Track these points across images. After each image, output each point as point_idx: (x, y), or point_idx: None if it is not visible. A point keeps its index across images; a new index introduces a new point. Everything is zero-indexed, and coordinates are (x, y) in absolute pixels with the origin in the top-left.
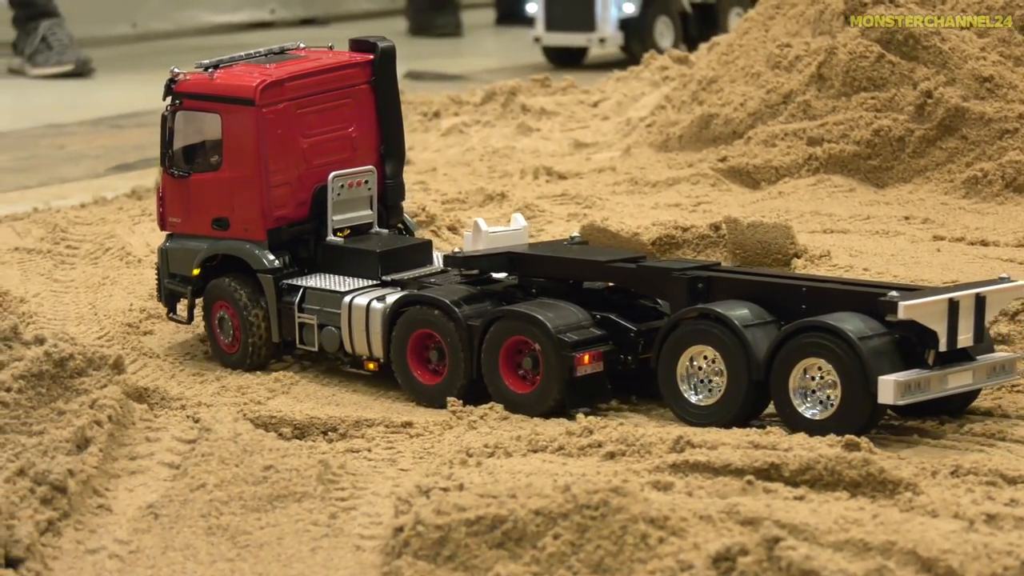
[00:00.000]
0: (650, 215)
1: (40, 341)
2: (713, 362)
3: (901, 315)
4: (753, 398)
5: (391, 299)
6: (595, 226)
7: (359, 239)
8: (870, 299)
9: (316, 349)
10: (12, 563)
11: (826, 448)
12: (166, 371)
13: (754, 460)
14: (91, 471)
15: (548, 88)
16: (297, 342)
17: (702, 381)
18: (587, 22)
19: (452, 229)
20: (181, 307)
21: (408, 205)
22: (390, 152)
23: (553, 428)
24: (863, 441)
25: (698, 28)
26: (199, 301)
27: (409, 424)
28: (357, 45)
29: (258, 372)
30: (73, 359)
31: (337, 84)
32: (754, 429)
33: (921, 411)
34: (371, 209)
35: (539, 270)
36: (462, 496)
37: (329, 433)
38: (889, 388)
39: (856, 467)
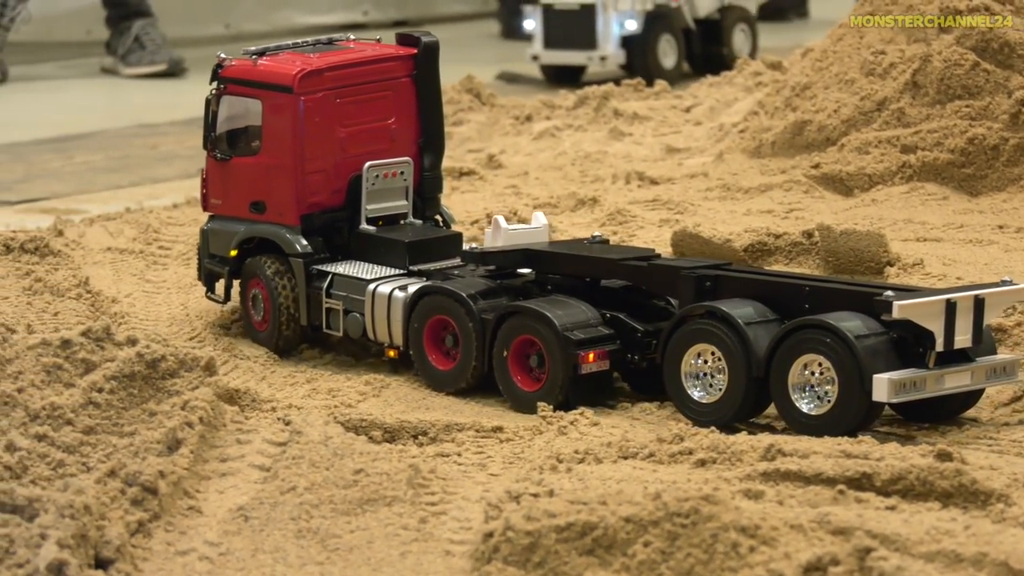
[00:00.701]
0: (742, 221)
1: (132, 342)
2: (716, 360)
3: (895, 314)
4: (754, 395)
5: (412, 289)
6: (687, 232)
7: (391, 228)
8: (871, 299)
9: (341, 334)
10: (102, 564)
11: (918, 458)
12: (257, 373)
13: (846, 469)
14: (182, 472)
15: (641, 92)
16: (324, 326)
17: (705, 378)
18: (588, 40)
19: None
20: (221, 287)
21: (500, 209)
22: (428, 145)
23: (644, 435)
24: (955, 451)
25: (701, 45)
26: (237, 281)
27: (499, 429)
28: (402, 39)
29: (350, 378)
30: (165, 360)
31: (378, 76)
32: (845, 438)
33: (923, 415)
34: (406, 199)
35: (554, 267)
36: (552, 502)
37: (419, 437)
38: (883, 386)
39: (948, 477)
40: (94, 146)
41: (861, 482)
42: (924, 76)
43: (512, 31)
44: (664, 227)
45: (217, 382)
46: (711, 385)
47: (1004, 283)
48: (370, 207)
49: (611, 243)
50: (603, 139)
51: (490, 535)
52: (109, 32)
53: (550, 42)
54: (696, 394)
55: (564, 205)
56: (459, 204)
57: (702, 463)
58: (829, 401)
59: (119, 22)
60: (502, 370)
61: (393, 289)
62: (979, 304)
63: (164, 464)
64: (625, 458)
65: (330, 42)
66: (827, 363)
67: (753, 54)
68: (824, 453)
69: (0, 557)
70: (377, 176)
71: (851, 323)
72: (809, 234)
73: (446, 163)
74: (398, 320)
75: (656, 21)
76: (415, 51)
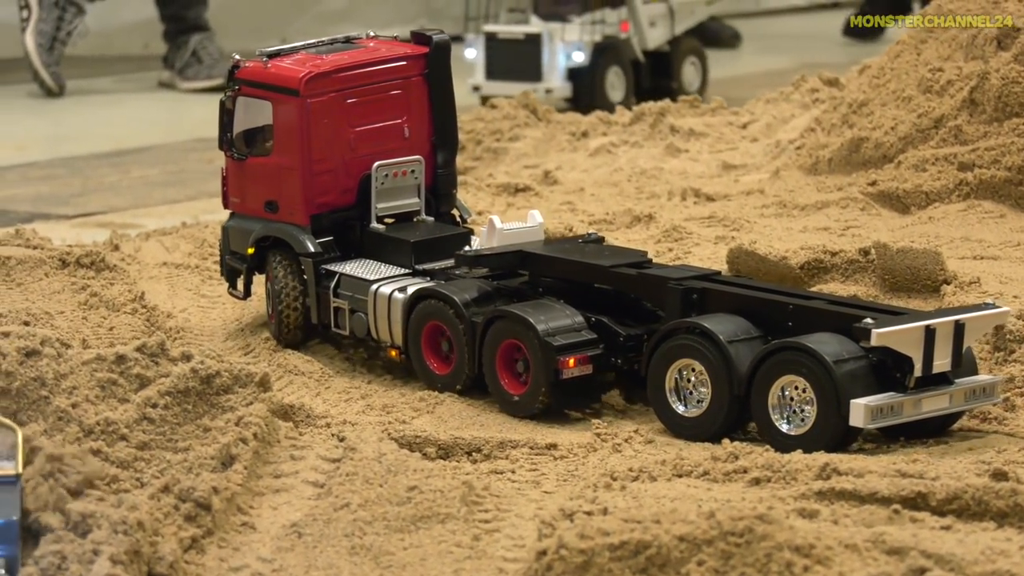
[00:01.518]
0: (798, 239)
1: (187, 357)
2: (699, 375)
3: (874, 342)
4: (736, 412)
5: (411, 290)
6: (743, 249)
7: (400, 227)
8: (854, 321)
9: (348, 333)
10: None
11: (973, 478)
12: (312, 389)
13: (901, 489)
14: (236, 488)
15: (697, 109)
16: (332, 325)
17: (689, 393)
18: (533, 72)
19: None
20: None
21: (555, 225)
22: (442, 142)
23: (698, 453)
24: (1011, 471)
25: (651, 78)
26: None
27: (553, 446)
28: (416, 37)
29: (404, 394)
30: (219, 376)
31: (389, 76)
32: (901, 457)
33: (902, 432)
34: (418, 197)
35: (547, 270)
36: (606, 520)
37: (473, 454)
38: (860, 412)
39: (1004, 497)
40: (151, 160)
41: (916, 502)
42: (982, 94)
43: None
44: (720, 244)
45: (271, 398)
46: (694, 400)
47: (985, 306)
48: (380, 206)
49: (607, 243)
50: (659, 155)
51: (543, 553)
52: (167, 46)
53: (493, 72)
54: (679, 408)
55: (620, 221)
56: (515, 220)
57: (756, 482)
58: (807, 422)
59: (177, 36)
60: (491, 373)
61: (393, 290)
62: (959, 329)
63: (218, 480)
64: (679, 476)
65: (348, 40)
66: (806, 384)
67: (703, 89)
68: (879, 472)
69: (53, 573)
70: (387, 175)
71: (830, 347)
72: (865, 252)
73: (502, 179)
74: (397, 321)
75: (604, 53)
76: (427, 50)
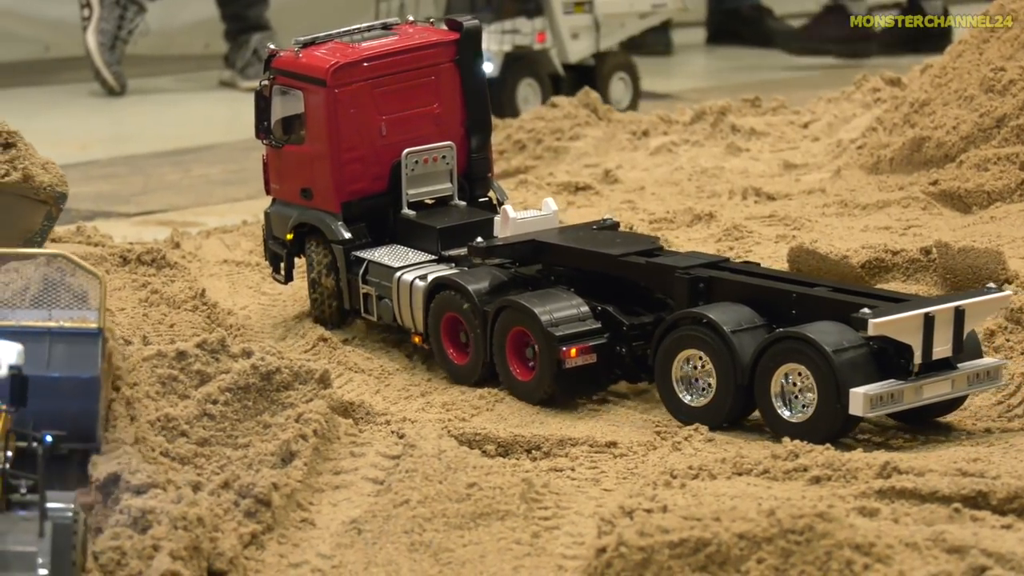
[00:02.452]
0: (860, 238)
1: (247, 354)
2: (705, 365)
3: (871, 332)
4: (742, 401)
5: (430, 279)
6: (803, 248)
7: (430, 213)
8: (855, 310)
9: (376, 319)
10: None
11: None
12: (371, 386)
13: (961, 488)
14: (295, 485)
15: (758, 108)
16: (362, 311)
17: (695, 382)
18: None
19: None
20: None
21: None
22: (474, 127)
23: (758, 451)
24: None
25: (573, 92)
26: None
27: (613, 444)
28: (448, 23)
29: (464, 392)
30: (280, 372)
31: (419, 63)
32: (961, 455)
33: (906, 417)
34: (450, 183)
35: (559, 259)
36: (666, 518)
37: (533, 451)
38: (859, 401)
39: None
40: (211, 159)
41: (977, 500)
42: None
43: (720, 35)
44: (780, 243)
45: (331, 395)
46: (700, 389)
47: (987, 290)
48: (411, 192)
49: (622, 229)
50: (720, 154)
51: (603, 550)
52: (228, 45)
53: None
54: (686, 398)
55: (680, 220)
56: (575, 219)
57: (817, 480)
58: (808, 410)
59: (238, 35)
60: (501, 360)
61: (415, 278)
62: (959, 315)
63: (278, 476)
64: (739, 474)
65: (385, 27)
66: (807, 373)
67: (635, 104)
68: (940, 471)
69: (112, 569)
70: (416, 162)
71: (830, 336)
72: (927, 251)
73: (562, 178)
74: (419, 308)
75: (516, 65)
76: (457, 36)
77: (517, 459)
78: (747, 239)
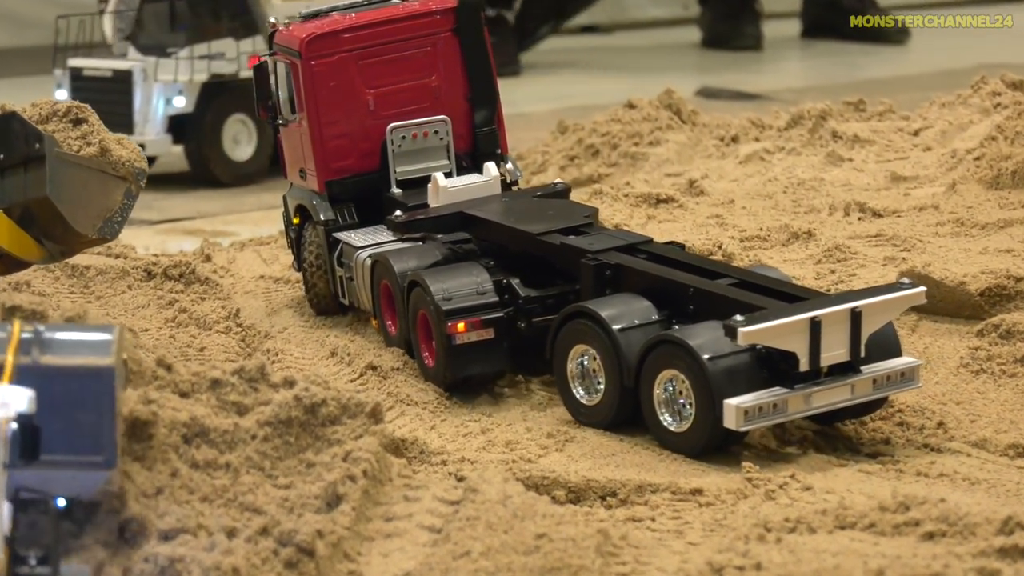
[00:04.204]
0: (978, 261)
1: (290, 384)
2: (596, 362)
3: (741, 342)
4: (630, 402)
5: (367, 254)
6: (915, 273)
7: (417, 191)
8: (752, 310)
9: (348, 303)
10: None
11: None
12: (426, 421)
13: None
14: (342, 532)
15: (863, 112)
16: (340, 296)
17: (588, 379)
18: (124, 119)
19: None
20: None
21: (702, 242)
22: (479, 100)
23: (863, 502)
24: None
25: None
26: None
27: (699, 491)
28: None
29: (530, 429)
30: (326, 405)
31: (412, 33)
32: None
33: (821, 419)
34: (447, 159)
35: (483, 233)
36: None
37: (608, 498)
38: (732, 413)
39: None
40: None
41: None
42: None
43: (716, 39)
44: (889, 266)
45: (383, 431)
46: (593, 386)
47: (898, 287)
48: (401, 169)
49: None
50: (819, 164)
51: None
52: None
53: None
54: (580, 393)
55: (775, 239)
56: (656, 236)
57: (930, 536)
58: (688, 419)
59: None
60: (415, 342)
61: (367, 256)
62: (856, 317)
63: (323, 522)
64: (842, 528)
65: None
66: (685, 380)
67: None
68: None
69: None
70: (404, 137)
71: (708, 341)
72: None
73: (641, 188)
74: (367, 287)
75: (218, 97)
76: (455, 4)
77: (591, 507)
78: (850, 261)
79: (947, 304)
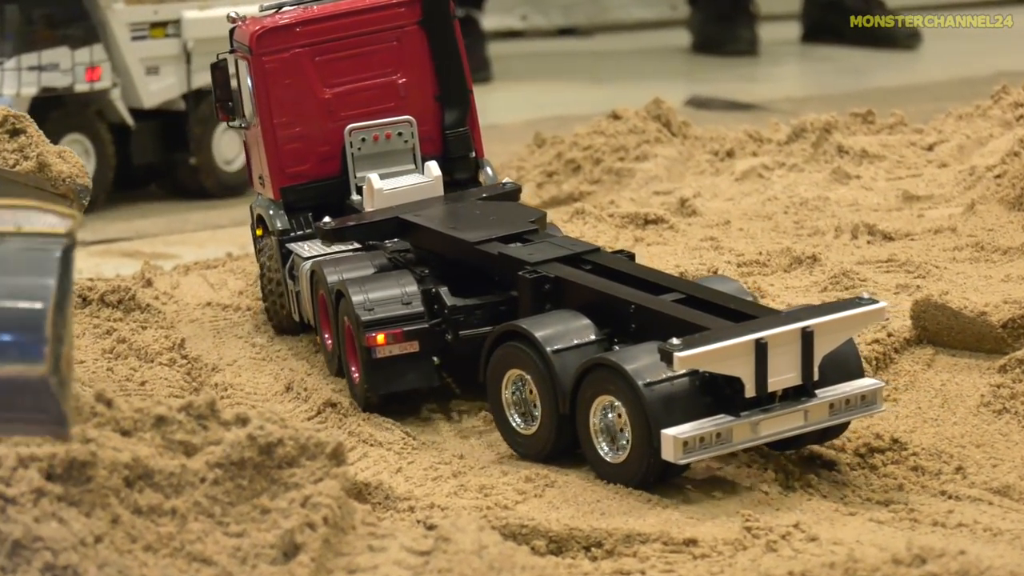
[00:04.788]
0: (1000, 290)
1: (242, 421)
2: (531, 387)
3: (677, 368)
4: (567, 433)
5: (308, 265)
6: (931, 302)
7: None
8: (697, 330)
9: (299, 320)
10: None
11: None
12: (392, 463)
13: None
14: None
15: (871, 125)
16: (292, 312)
17: (524, 405)
18: None
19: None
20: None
21: (695, 267)
22: (449, 99)
23: (875, 554)
24: None
25: (151, 150)
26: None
27: (693, 541)
28: None
29: (506, 472)
30: (283, 445)
31: (374, 26)
32: None
33: (777, 445)
34: (413, 164)
35: (420, 241)
36: None
37: (593, 549)
38: (669, 445)
39: None
40: None
41: None
42: None
43: (707, 44)
44: (902, 294)
45: (345, 474)
46: (530, 414)
47: (856, 302)
48: (362, 174)
49: (522, 202)
50: (824, 182)
51: None
52: None
53: None
54: (517, 422)
55: (776, 264)
56: (646, 260)
57: None
58: (625, 450)
59: None
60: (344, 357)
61: (308, 266)
62: (807, 337)
63: (279, 574)
64: None
65: None
66: (621, 407)
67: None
68: None
69: None
70: (364, 140)
71: (645, 365)
72: None
73: (627, 208)
74: (308, 300)
75: (51, 114)
76: None
77: (574, 558)
78: (859, 288)
79: (966, 337)
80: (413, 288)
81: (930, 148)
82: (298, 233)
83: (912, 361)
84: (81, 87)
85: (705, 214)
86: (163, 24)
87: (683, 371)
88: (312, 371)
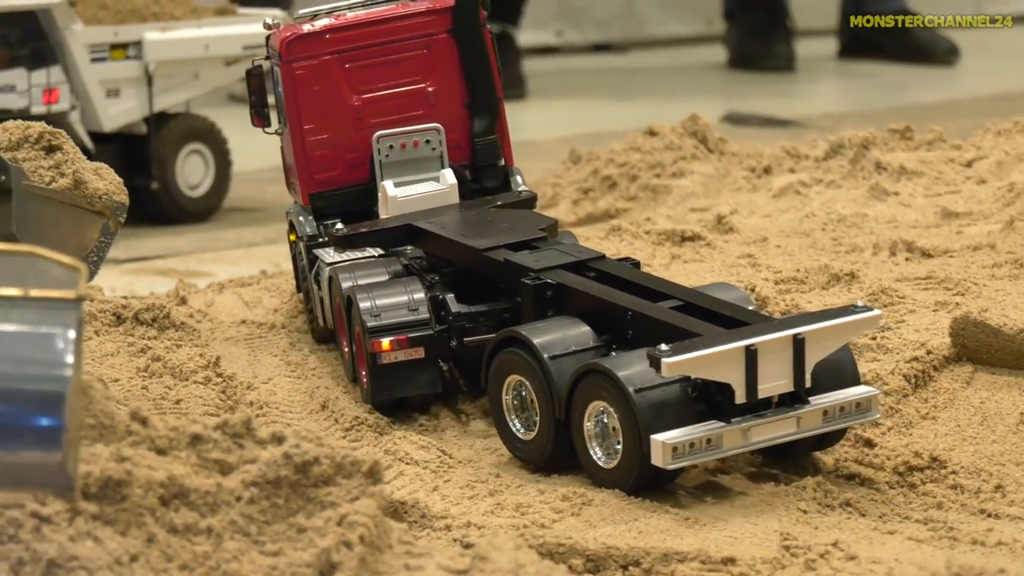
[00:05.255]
0: None
1: (279, 440)
2: (531, 393)
3: (665, 374)
4: (564, 439)
5: (328, 270)
6: (970, 320)
7: None
8: (687, 337)
9: (324, 326)
10: None
11: None
12: (428, 482)
13: None
14: None
15: (910, 141)
16: (321, 319)
17: (525, 412)
18: None
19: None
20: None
21: (732, 282)
22: (478, 108)
23: (914, 573)
24: None
25: (119, 174)
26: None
27: (731, 560)
28: None
29: (543, 490)
30: (319, 463)
31: (404, 34)
32: None
33: (774, 452)
34: (441, 171)
35: (431, 248)
36: None
37: (630, 568)
38: (659, 450)
39: None
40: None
41: None
42: None
43: (744, 59)
44: (940, 312)
45: (382, 492)
46: (531, 420)
47: (850, 310)
48: (389, 181)
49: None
50: (862, 199)
51: None
52: None
53: None
54: (517, 427)
55: (813, 281)
56: (683, 277)
57: None
58: (618, 455)
59: None
60: (355, 366)
61: (328, 272)
62: (798, 344)
63: None
64: None
65: None
66: (613, 412)
67: (215, 196)
68: None
69: None
70: (392, 147)
71: (637, 370)
72: None
73: (664, 225)
74: (328, 305)
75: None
76: (452, 3)
77: None
78: (898, 306)
79: (1006, 354)
80: (420, 295)
81: (969, 164)
82: (325, 239)
83: (951, 379)
84: (38, 109)
85: (742, 231)
86: (124, 46)
87: (672, 377)
88: (348, 388)
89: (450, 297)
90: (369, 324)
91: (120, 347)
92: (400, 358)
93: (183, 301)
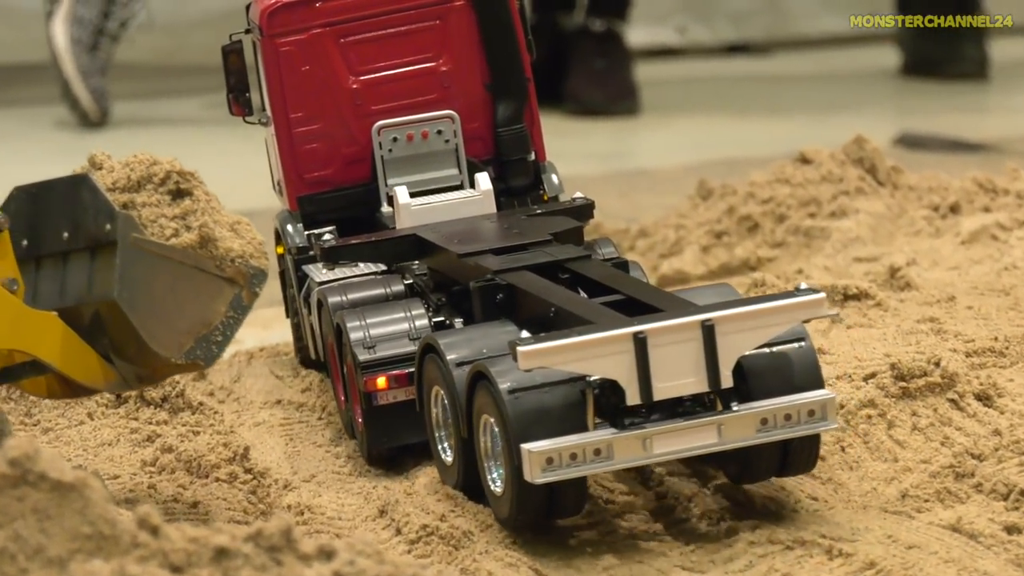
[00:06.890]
0: None
1: (327, 555)
2: (445, 407)
3: (522, 366)
4: (473, 461)
5: (316, 291)
6: None
7: None
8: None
9: (315, 357)
10: None
11: None
12: None
13: None
14: None
15: None
16: (311, 349)
17: (445, 429)
18: None
19: (983, 398)
20: None
21: (911, 356)
22: (502, 90)
23: None
24: None
25: None
26: None
27: None
28: None
29: None
30: None
31: (411, 2)
32: None
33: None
34: (456, 167)
35: (430, 260)
36: None
37: None
38: (528, 460)
39: None
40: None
41: None
42: None
43: (923, 64)
44: None
45: None
46: (450, 440)
47: (793, 293)
48: (394, 181)
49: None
50: None
51: None
52: None
53: None
54: (440, 448)
55: (1016, 352)
56: (845, 347)
57: None
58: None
59: None
60: (350, 408)
61: (317, 294)
62: (708, 332)
63: None
64: None
65: None
66: (494, 422)
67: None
68: None
69: None
70: (396, 139)
71: (517, 370)
72: None
73: (820, 278)
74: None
75: None
76: None
77: None
78: None
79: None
80: (424, 320)
81: None
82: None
83: None
84: None
85: (923, 287)
86: None
87: (528, 369)
88: (413, 489)
89: (459, 322)
90: (361, 358)
91: (121, 434)
92: (400, 398)
93: (201, 376)
